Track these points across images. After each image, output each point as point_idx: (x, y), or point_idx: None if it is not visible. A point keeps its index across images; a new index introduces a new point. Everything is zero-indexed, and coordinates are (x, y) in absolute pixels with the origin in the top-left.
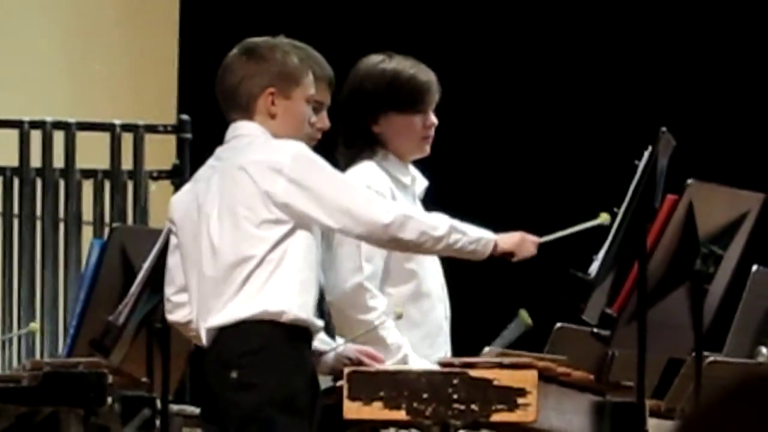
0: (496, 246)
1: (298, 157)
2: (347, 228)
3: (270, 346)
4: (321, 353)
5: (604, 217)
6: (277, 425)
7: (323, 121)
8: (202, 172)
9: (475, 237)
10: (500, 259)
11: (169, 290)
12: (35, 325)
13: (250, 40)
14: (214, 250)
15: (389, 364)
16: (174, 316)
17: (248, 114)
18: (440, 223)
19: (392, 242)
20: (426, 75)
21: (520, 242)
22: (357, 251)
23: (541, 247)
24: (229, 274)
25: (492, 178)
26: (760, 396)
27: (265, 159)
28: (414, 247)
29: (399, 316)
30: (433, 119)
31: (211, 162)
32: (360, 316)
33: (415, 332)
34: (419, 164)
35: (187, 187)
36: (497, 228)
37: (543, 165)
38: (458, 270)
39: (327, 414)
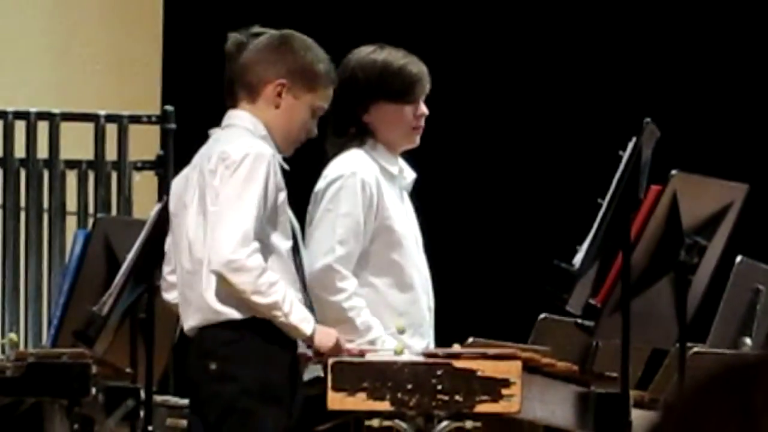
0: (312, 337)
1: (240, 161)
2: (205, 238)
3: (247, 337)
4: (308, 358)
5: (399, 327)
6: (256, 414)
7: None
8: (196, 157)
9: (293, 322)
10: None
11: (165, 269)
12: (14, 336)
13: (291, 31)
14: (189, 243)
15: (357, 344)
16: (169, 296)
17: (252, 95)
18: (275, 296)
19: (221, 277)
20: (417, 66)
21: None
22: (331, 234)
23: (526, 238)
24: (199, 269)
25: (477, 170)
26: (740, 384)
27: (220, 153)
28: (237, 293)
29: (401, 331)
30: (424, 109)
31: (204, 148)
32: (329, 297)
33: (399, 322)
34: (408, 157)
35: (184, 172)
36: (483, 220)
37: (528, 156)
38: (443, 261)
39: (311, 404)
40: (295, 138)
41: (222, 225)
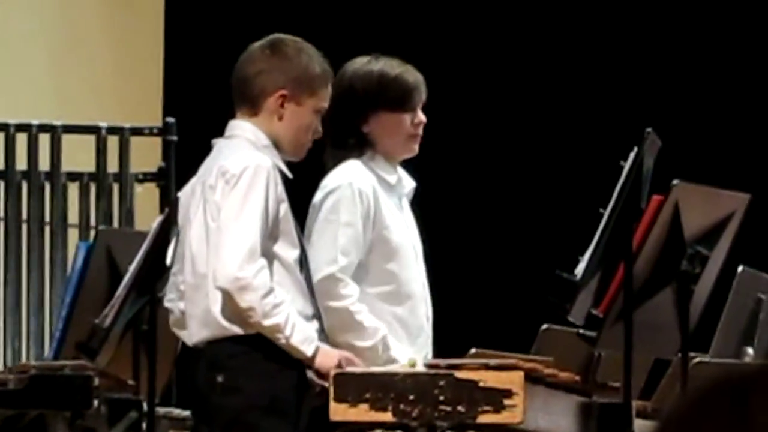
0: (313, 358)
1: (240, 174)
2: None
3: (255, 351)
4: (313, 385)
5: (411, 362)
6: (261, 428)
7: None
8: (201, 169)
9: (294, 344)
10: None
11: (178, 278)
12: None
13: (280, 36)
14: (192, 257)
15: (370, 344)
16: (183, 304)
17: (254, 109)
18: (278, 318)
19: (226, 294)
20: (413, 74)
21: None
22: (333, 244)
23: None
24: (203, 283)
25: (478, 180)
26: (738, 394)
27: (220, 167)
28: (241, 312)
29: (413, 365)
30: (422, 117)
31: (208, 159)
32: (335, 304)
33: (398, 332)
34: (409, 166)
35: (191, 183)
36: (484, 230)
37: (530, 166)
38: (445, 271)
39: (314, 415)
40: (304, 143)
41: (227, 241)
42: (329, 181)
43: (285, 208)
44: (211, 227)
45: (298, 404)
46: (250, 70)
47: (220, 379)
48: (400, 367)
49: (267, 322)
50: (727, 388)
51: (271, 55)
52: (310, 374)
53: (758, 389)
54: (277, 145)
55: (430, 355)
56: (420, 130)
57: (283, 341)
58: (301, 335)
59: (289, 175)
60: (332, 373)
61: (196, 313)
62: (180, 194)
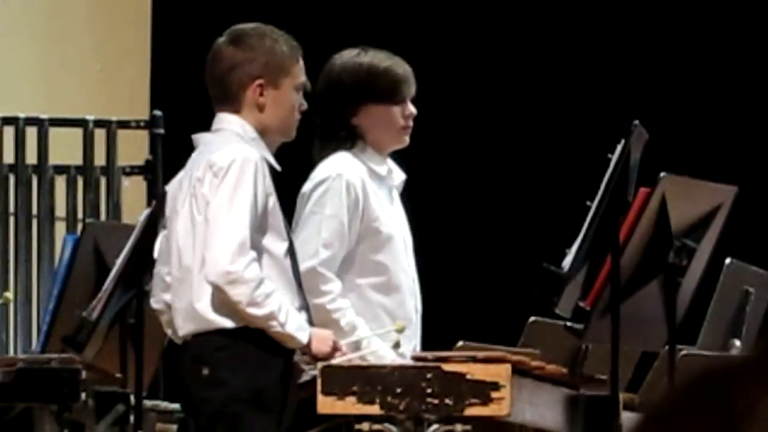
0: (309, 345)
1: (228, 167)
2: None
3: (240, 344)
4: (300, 369)
5: (399, 326)
6: (245, 421)
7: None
8: (189, 162)
9: (290, 331)
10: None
11: (164, 270)
12: (9, 295)
13: (238, 27)
14: (179, 250)
15: (344, 346)
16: (168, 296)
17: (235, 106)
18: (271, 306)
19: (218, 288)
20: (402, 66)
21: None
22: (316, 236)
23: (515, 241)
24: (188, 276)
25: (467, 173)
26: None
27: (208, 160)
28: (233, 304)
29: (401, 330)
30: (412, 109)
31: (195, 153)
32: (313, 300)
33: (386, 323)
34: (398, 158)
35: (179, 176)
36: (472, 223)
37: (517, 158)
38: (432, 264)
39: (301, 408)
40: (292, 122)
41: (217, 234)
42: (318, 173)
43: (273, 200)
44: (197, 220)
45: (283, 397)
46: (221, 69)
47: (205, 371)
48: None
49: (260, 312)
50: (709, 382)
51: (237, 49)
52: (297, 358)
53: (740, 383)
54: (266, 133)
55: (418, 347)
56: (410, 122)
57: (279, 329)
58: (296, 323)
59: (278, 167)
60: (319, 366)
61: (181, 306)
62: (168, 188)
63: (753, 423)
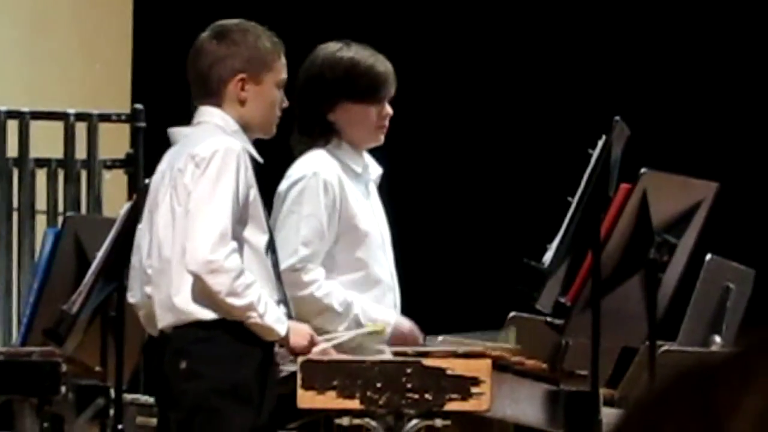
0: (286, 337)
1: (210, 158)
2: (174, 237)
3: (218, 337)
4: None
5: (378, 327)
6: (224, 414)
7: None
8: (170, 154)
9: (268, 323)
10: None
11: (147, 262)
12: None
13: (222, 23)
14: (159, 242)
15: (343, 326)
16: (149, 289)
17: (217, 99)
18: (251, 297)
19: (198, 278)
20: (384, 65)
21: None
22: (295, 235)
23: (496, 236)
24: (167, 268)
25: (447, 167)
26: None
27: (190, 151)
28: (212, 294)
29: (381, 331)
30: (389, 110)
31: (178, 145)
32: (300, 293)
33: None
34: (377, 152)
35: (160, 168)
36: (453, 218)
37: (498, 153)
38: (412, 258)
39: (281, 403)
40: (272, 119)
41: (198, 224)
42: (294, 171)
43: (254, 192)
44: (177, 212)
45: (262, 390)
46: (203, 63)
47: (183, 365)
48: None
49: (239, 302)
50: (691, 378)
51: (219, 44)
52: (277, 350)
53: (722, 378)
54: (246, 128)
55: None
56: (386, 122)
57: (257, 320)
58: (274, 315)
59: (260, 159)
60: (299, 360)
61: (160, 298)
62: (150, 181)
63: (737, 418)
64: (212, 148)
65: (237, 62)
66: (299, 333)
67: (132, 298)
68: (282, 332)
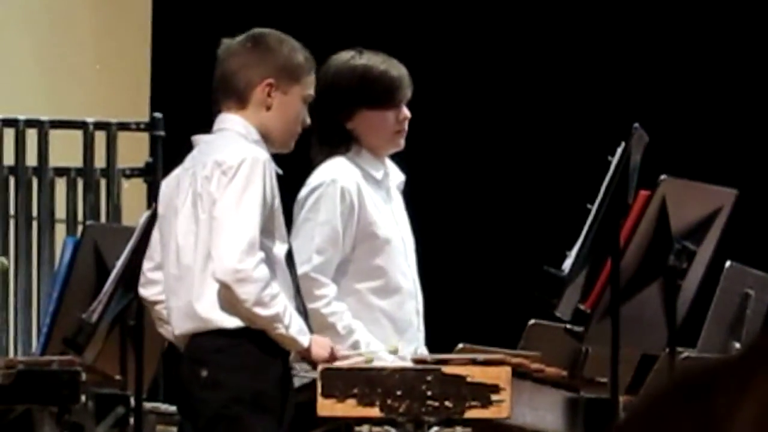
0: (308, 349)
1: (238, 166)
2: (197, 244)
3: (239, 345)
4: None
5: (392, 348)
6: (245, 423)
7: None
8: (189, 160)
9: (292, 334)
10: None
11: (146, 265)
12: (4, 260)
13: (259, 30)
14: (177, 248)
15: (342, 349)
16: (146, 291)
17: (242, 102)
18: (277, 307)
19: (226, 286)
20: (397, 70)
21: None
22: (309, 243)
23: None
24: (187, 275)
25: (467, 175)
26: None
27: (216, 159)
28: (239, 303)
29: (394, 352)
30: (406, 113)
31: (196, 151)
32: (308, 305)
33: (385, 327)
34: (399, 160)
35: (175, 173)
36: (473, 226)
37: (518, 161)
38: (433, 266)
39: (301, 411)
40: (293, 132)
41: (225, 232)
42: (313, 179)
43: (278, 202)
44: (201, 219)
45: (283, 399)
46: (234, 64)
47: (203, 373)
48: (382, 353)
49: (266, 312)
50: (690, 383)
51: (254, 48)
52: (292, 360)
53: (721, 383)
54: (266, 138)
55: (420, 349)
56: (405, 126)
57: (282, 331)
58: (298, 326)
59: (279, 171)
60: (319, 368)
61: (178, 306)
62: (163, 184)
63: (735, 423)
64: (240, 156)
65: (268, 68)
66: (321, 344)
67: (150, 272)
68: (305, 343)
